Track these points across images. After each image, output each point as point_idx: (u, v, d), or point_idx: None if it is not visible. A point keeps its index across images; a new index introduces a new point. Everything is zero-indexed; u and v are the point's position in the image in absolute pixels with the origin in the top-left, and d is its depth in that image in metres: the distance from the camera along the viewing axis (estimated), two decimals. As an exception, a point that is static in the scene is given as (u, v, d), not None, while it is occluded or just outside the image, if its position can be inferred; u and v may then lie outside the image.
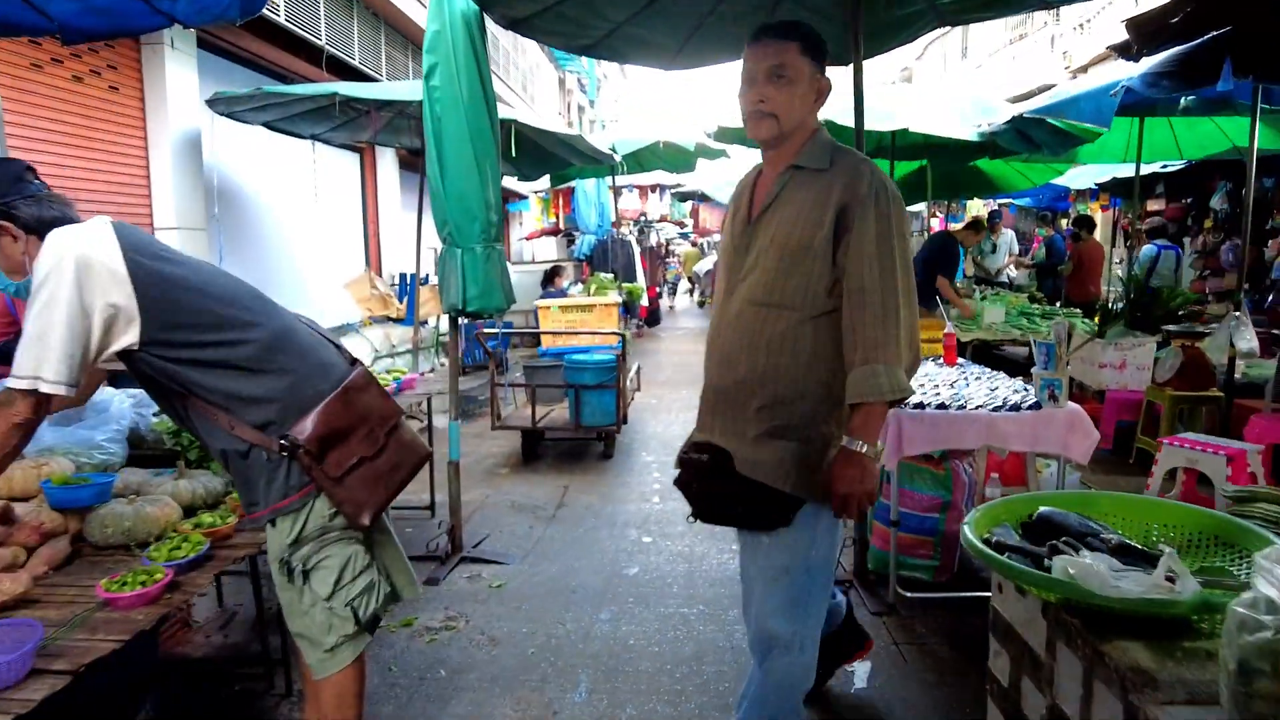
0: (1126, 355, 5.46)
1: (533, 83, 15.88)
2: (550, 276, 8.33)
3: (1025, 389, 3.07)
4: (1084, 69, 13.68)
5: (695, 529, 3.85)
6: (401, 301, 7.25)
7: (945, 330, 4.07)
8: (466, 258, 3.22)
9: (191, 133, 6.19)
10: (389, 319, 7.19)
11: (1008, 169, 9.15)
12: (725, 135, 6.86)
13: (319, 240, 8.41)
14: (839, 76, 2.11)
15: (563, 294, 8.39)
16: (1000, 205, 14.29)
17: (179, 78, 6.01)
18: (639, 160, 9.19)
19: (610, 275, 9.90)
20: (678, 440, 5.23)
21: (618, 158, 6.75)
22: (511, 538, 3.81)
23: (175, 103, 5.99)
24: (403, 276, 8.27)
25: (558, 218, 12.20)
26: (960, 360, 4.08)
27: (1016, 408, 2.80)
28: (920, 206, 14.68)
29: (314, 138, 7.15)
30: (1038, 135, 5.55)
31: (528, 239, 14.35)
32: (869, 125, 5.68)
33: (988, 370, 3.74)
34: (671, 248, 24.55)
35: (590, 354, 4.87)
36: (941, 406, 2.82)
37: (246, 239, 7.20)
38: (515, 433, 5.09)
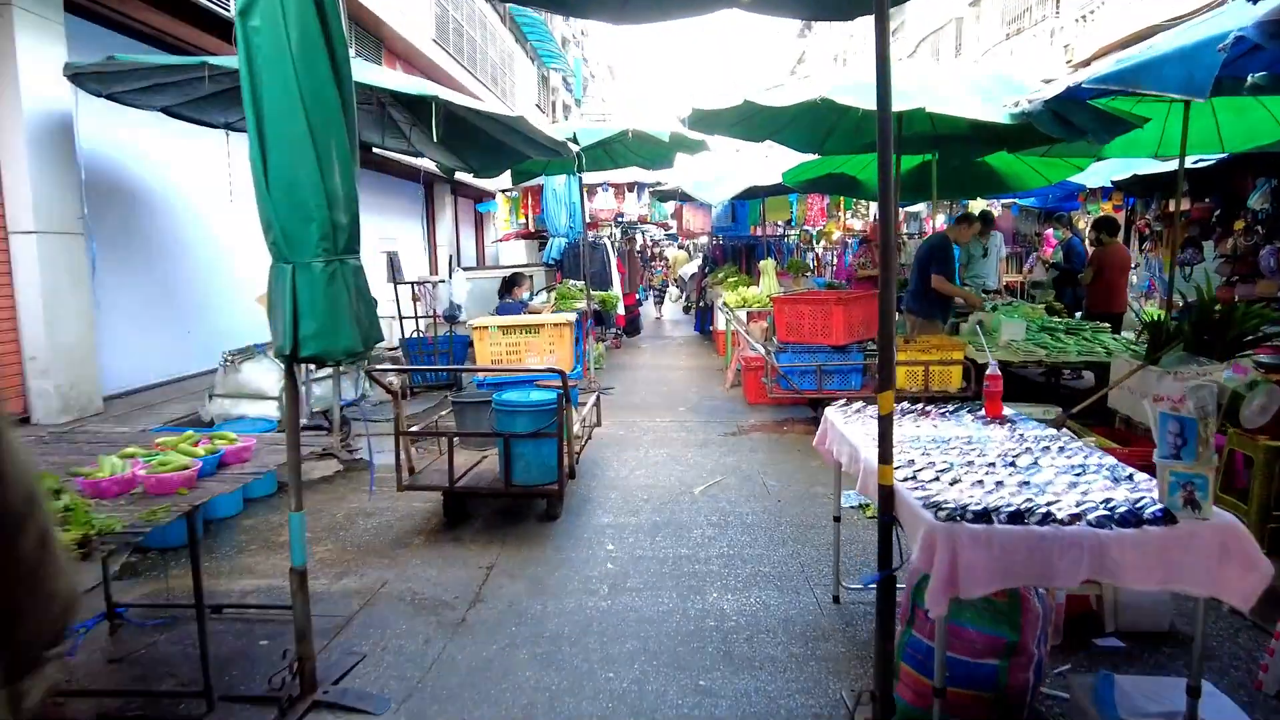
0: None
1: (506, 76, 14.82)
2: (508, 285, 7.30)
3: (1133, 480, 2.06)
4: (1086, 63, 12.76)
5: (649, 642, 2.81)
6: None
7: (989, 371, 3.03)
8: (300, 278, 2.18)
9: (55, 115, 5.11)
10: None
11: (1020, 165, 8.15)
12: (702, 121, 5.84)
13: (236, 247, 7.34)
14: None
15: (522, 306, 7.34)
16: (1002, 206, 13.36)
17: (35, 48, 4.92)
18: (610, 154, 8.16)
19: (579, 283, 8.89)
20: (644, 492, 4.14)
21: (575, 148, 5.71)
22: (397, 661, 2.76)
23: (30, 78, 4.90)
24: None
25: (527, 219, 11.17)
26: (1006, 411, 3.08)
27: (1135, 519, 1.78)
28: (920, 207, 13.73)
29: (229, 127, 6.08)
30: (1079, 119, 4.54)
31: (502, 240, 13.29)
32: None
33: (1049, 430, 2.72)
34: (660, 250, 23.44)
35: (526, 393, 3.82)
36: (1017, 517, 1.80)
37: (130, 246, 6.09)
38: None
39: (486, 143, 6.11)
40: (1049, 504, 1.88)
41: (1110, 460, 2.26)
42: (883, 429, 2.04)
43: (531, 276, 9.73)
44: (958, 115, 4.29)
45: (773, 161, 10.52)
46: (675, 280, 17.66)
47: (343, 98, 2.22)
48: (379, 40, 9.64)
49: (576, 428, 4.38)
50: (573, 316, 4.79)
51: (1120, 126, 4.68)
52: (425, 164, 11.58)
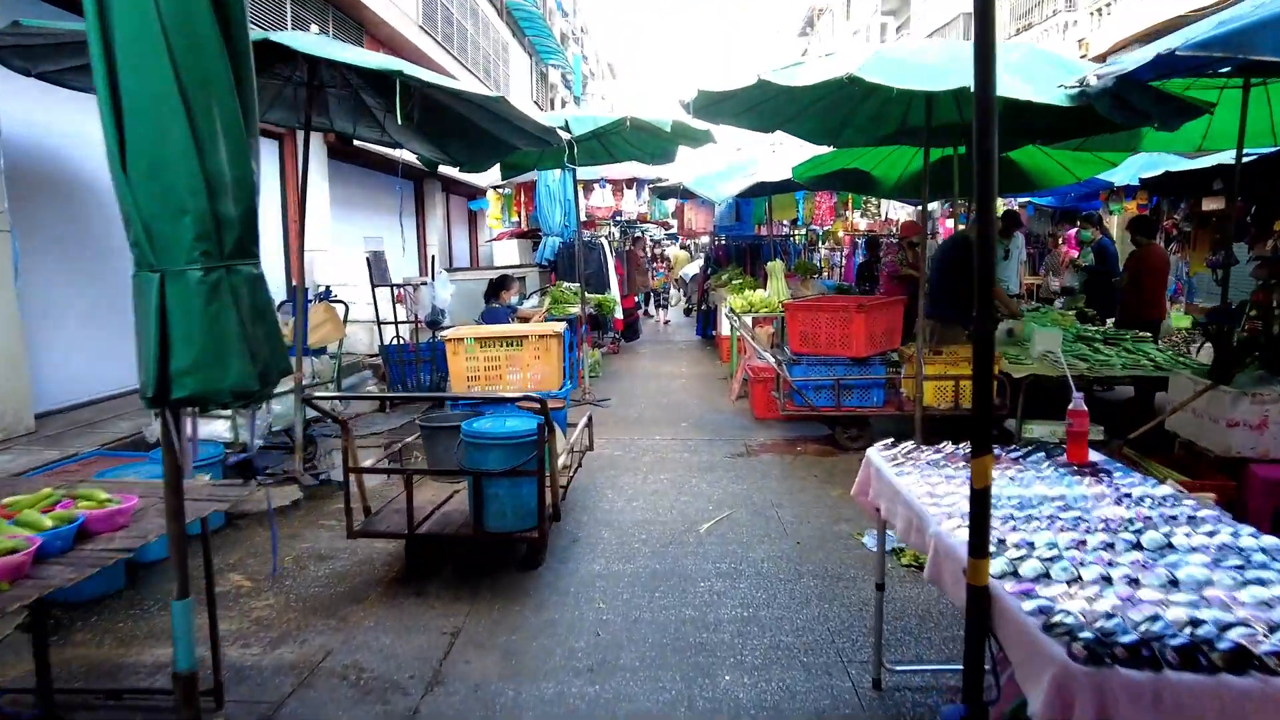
0: (1269, 411, 3.89)
1: (499, 68, 14.23)
2: (495, 289, 6.71)
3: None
4: (1102, 58, 12.17)
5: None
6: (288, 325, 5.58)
7: (1073, 406, 2.45)
8: (170, 291, 1.58)
9: (-35, 96, 4.53)
10: (272, 348, 5.51)
11: (1048, 161, 7.55)
12: (708, 108, 5.24)
13: None
14: None
15: (510, 311, 6.75)
16: (1018, 205, 12.76)
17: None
18: (607, 148, 7.57)
19: (575, 285, 8.30)
20: (642, 530, 3.54)
21: (566, 135, 5.11)
22: (325, 775, 2.17)
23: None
24: (327, 291, 6.60)
25: (520, 217, 10.58)
26: (1093, 456, 2.49)
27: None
28: (934, 206, 13.10)
29: None
30: (1141, 102, 3.94)
31: (496, 240, 12.68)
32: (914, 84, 4.11)
33: (1161, 488, 2.14)
34: (662, 251, 22.63)
35: (500, 421, 3.23)
36: (1191, 657, 1.21)
37: (65, 243, 5.42)
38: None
39: (468, 131, 5.52)
40: (1230, 626, 1.29)
41: (1273, 541, 1.67)
42: (978, 508, 1.46)
43: (524, 279, 9.15)
44: (1010, 97, 3.69)
45: (780, 156, 9.94)
46: (675, 281, 16.86)
47: (233, 46, 1.62)
48: (360, 25, 9.04)
49: (563, 458, 3.79)
50: (560, 327, 4.20)
51: (1187, 113, 4.08)
52: (413, 158, 11.02)
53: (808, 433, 5.93)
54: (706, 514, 4.19)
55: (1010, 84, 3.84)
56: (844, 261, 12.99)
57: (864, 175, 8.19)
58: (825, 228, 11.83)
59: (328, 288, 5.93)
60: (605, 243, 9.80)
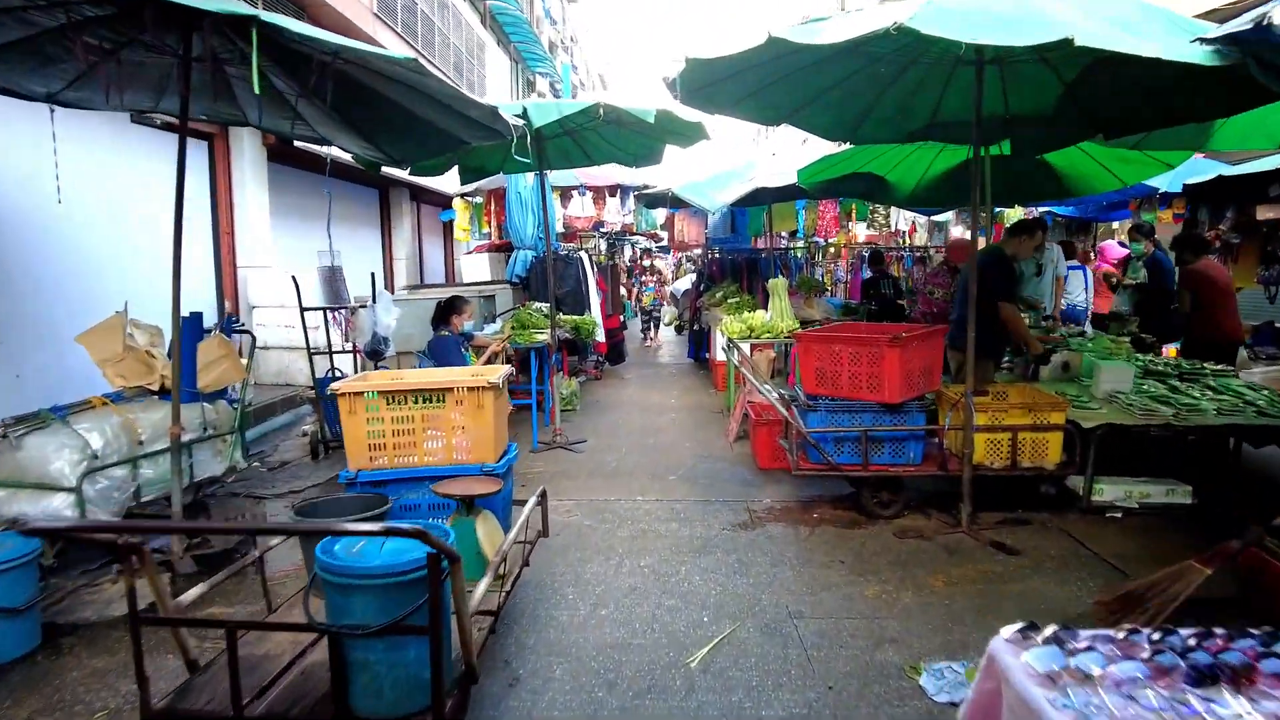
0: None
1: (473, 68, 13.17)
2: (444, 313, 5.59)
3: None
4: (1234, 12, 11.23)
5: None
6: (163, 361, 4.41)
7: None
8: None
9: None
10: (149, 391, 4.36)
11: (1088, 163, 6.50)
12: (699, 90, 4.14)
13: (74, 265, 5.64)
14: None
15: (461, 341, 5.62)
16: (1039, 214, 11.72)
17: None
18: (582, 146, 6.49)
19: (545, 305, 7.17)
20: (609, 660, 2.33)
21: (517, 122, 4.01)
22: None
23: None
24: (229, 320, 5.43)
25: (492, 228, 9.47)
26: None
27: None
28: (947, 215, 12.02)
29: (54, 100, 4.35)
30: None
31: (473, 253, 11.54)
32: (989, 37, 2.93)
33: None
34: (651, 262, 21.26)
35: (374, 553, 2.07)
36: None
37: None
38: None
39: (399, 119, 4.42)
40: None
41: None
42: None
43: (493, 297, 8.01)
44: (1126, 52, 2.60)
45: (781, 161, 8.88)
46: (669, 298, 15.47)
47: None
48: (300, 8, 7.95)
49: (507, 546, 2.64)
50: (498, 376, 3.06)
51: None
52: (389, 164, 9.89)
53: (824, 491, 4.81)
54: (700, 630, 3.05)
55: (1118, 39, 2.76)
56: (849, 277, 11.93)
57: (878, 180, 7.14)
58: (830, 240, 10.77)
59: (230, 315, 4.81)
60: (585, 256, 8.69)
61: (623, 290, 17.70)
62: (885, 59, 4.40)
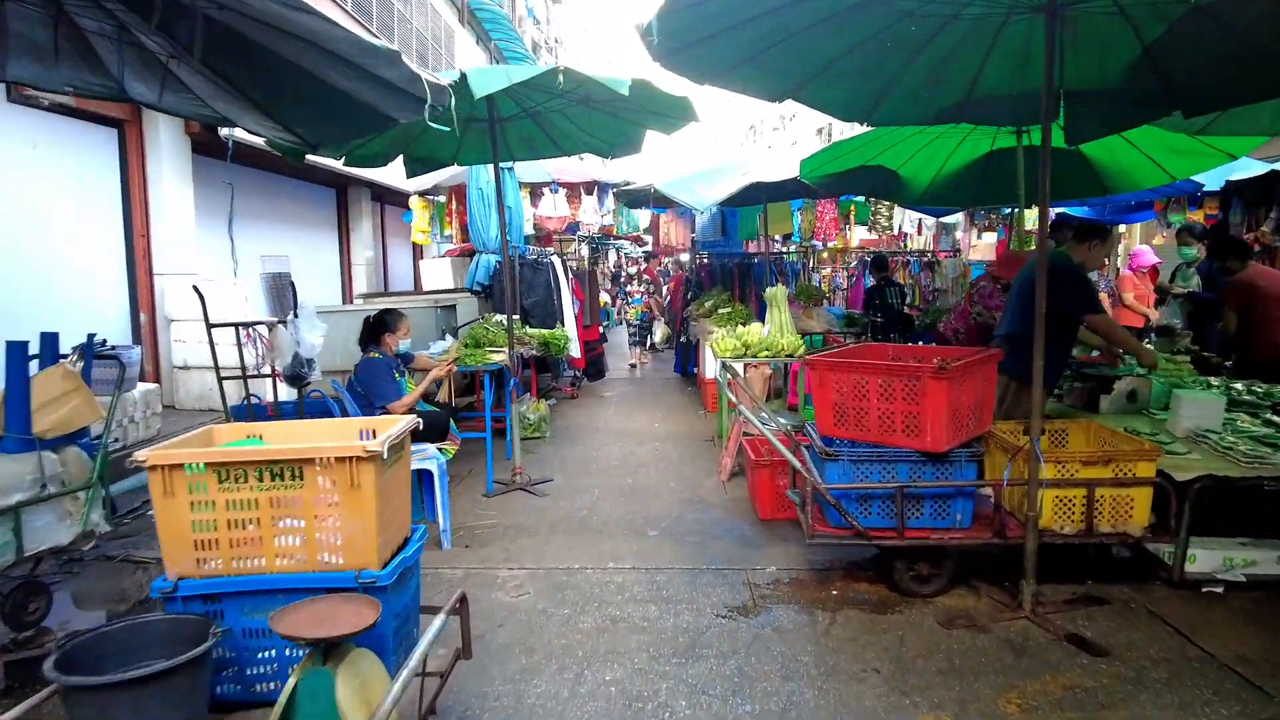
0: None
1: (440, 58, 12.17)
2: (375, 331, 4.60)
3: None
4: None
5: None
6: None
7: None
8: None
9: None
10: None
11: (1133, 154, 5.61)
12: (682, 51, 3.19)
13: None
14: None
15: (395, 365, 4.62)
16: (1057, 215, 10.85)
17: None
18: (546, 130, 5.52)
19: (505, 319, 6.15)
20: None
21: (437, 80, 3.02)
22: None
23: None
24: (89, 344, 4.38)
25: (454, 230, 8.49)
26: None
27: None
28: (957, 218, 11.08)
29: None
30: None
31: (444, 256, 10.49)
32: None
33: None
34: (638, 269, 19.76)
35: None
36: None
37: None
38: None
39: (304, 86, 3.44)
40: None
41: None
42: None
43: (453, 307, 7.01)
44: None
45: (778, 155, 7.97)
46: (660, 309, 13.45)
47: None
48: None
49: (389, 706, 1.65)
50: (379, 444, 2.06)
51: None
52: (336, 163, 8.80)
53: (841, 555, 3.85)
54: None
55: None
56: (849, 284, 11.03)
57: (889, 176, 6.23)
58: (831, 243, 9.85)
59: (93, 336, 3.81)
60: (557, 261, 7.70)
61: (605, 296, 16.67)
62: (917, 15, 3.49)
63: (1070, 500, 3.27)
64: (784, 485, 4.35)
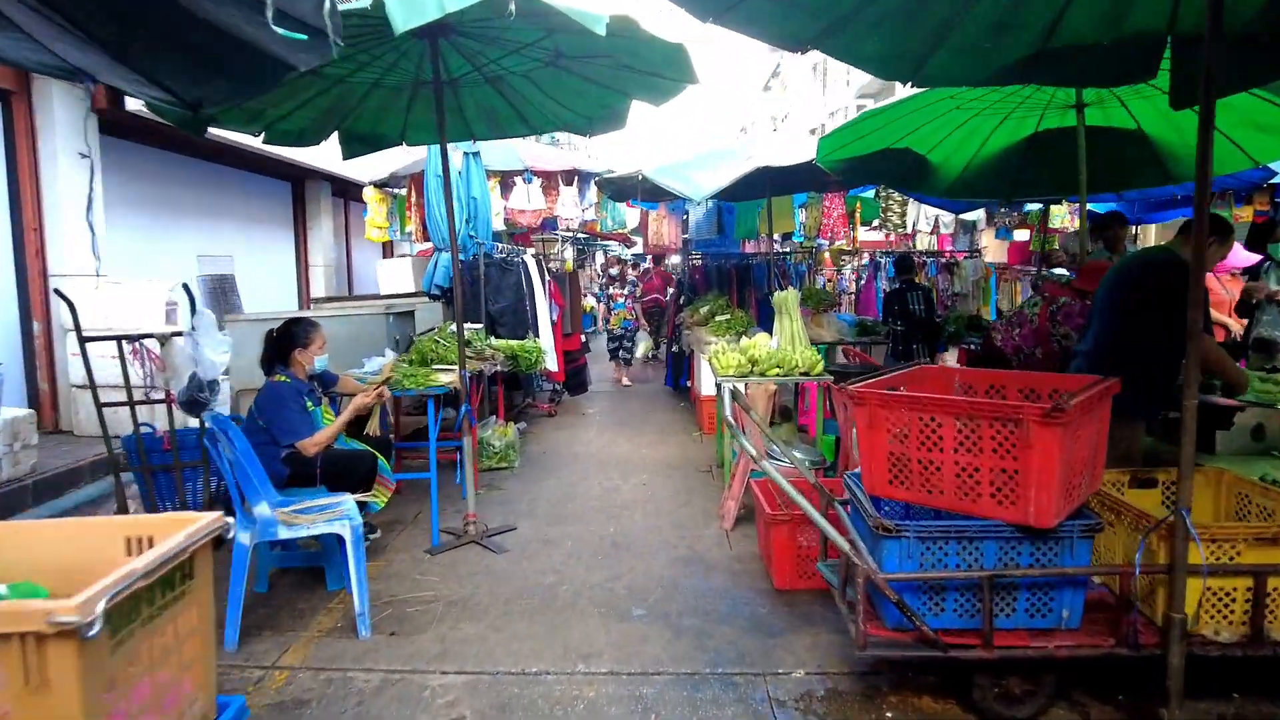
0: None
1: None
2: (281, 347, 3.61)
3: None
4: None
5: None
6: None
7: None
8: None
9: None
10: None
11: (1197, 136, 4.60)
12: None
13: None
14: None
15: (306, 390, 3.61)
16: (1068, 208, 9.94)
17: None
18: (514, 105, 4.54)
19: (474, 327, 5.12)
20: None
21: (341, 4, 2.02)
22: None
23: None
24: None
25: (415, 225, 7.48)
26: None
27: None
28: (978, 215, 10.14)
29: None
30: None
31: (419, 255, 9.43)
32: None
33: None
34: (624, 271, 18.38)
35: None
36: None
37: None
38: None
39: (160, 19, 2.43)
40: None
41: None
42: None
43: (410, 313, 6.00)
44: None
45: (784, 135, 7.00)
46: (646, 316, 11.91)
47: None
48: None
49: None
50: (76, 606, 1.06)
51: None
52: (291, 153, 7.73)
53: (893, 651, 2.86)
54: None
55: None
56: (858, 286, 10.07)
57: (917, 161, 5.30)
58: (839, 242, 8.91)
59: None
60: (531, 261, 6.69)
61: (593, 301, 15.61)
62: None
63: (1228, 594, 2.31)
64: (806, 548, 3.38)
